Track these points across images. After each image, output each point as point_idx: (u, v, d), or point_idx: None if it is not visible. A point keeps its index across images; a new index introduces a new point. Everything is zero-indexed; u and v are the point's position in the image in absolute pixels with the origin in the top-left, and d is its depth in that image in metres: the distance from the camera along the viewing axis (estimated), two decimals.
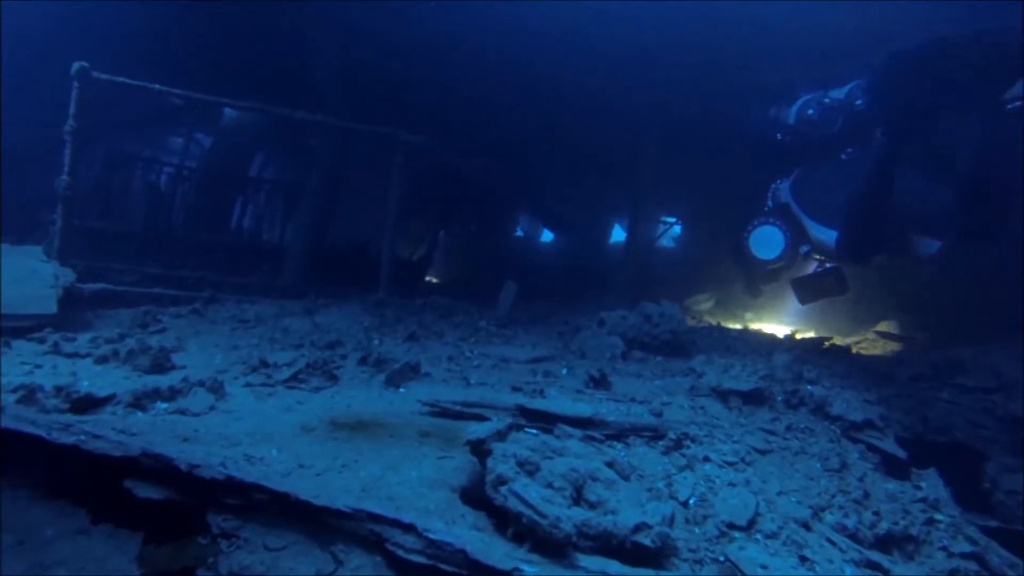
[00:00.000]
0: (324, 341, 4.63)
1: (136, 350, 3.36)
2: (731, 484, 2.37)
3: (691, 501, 2.28)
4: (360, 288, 7.70)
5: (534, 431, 2.81)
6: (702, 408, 3.22)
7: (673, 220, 13.14)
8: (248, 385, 3.24)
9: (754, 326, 8.24)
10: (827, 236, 4.42)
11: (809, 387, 3.53)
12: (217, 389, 2.94)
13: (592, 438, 2.51)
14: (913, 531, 2.58)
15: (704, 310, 9.43)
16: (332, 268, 8.65)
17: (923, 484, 2.88)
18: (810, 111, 4.51)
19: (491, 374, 4.19)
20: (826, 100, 4.49)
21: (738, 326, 7.77)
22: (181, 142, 14.66)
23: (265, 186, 13.58)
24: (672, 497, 2.31)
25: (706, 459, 2.55)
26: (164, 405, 2.64)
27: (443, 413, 3.03)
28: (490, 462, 2.11)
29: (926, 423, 3.63)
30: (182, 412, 2.58)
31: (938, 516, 2.72)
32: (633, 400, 3.36)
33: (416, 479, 2.22)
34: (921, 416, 3.63)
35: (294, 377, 3.37)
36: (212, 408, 2.73)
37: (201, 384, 2.91)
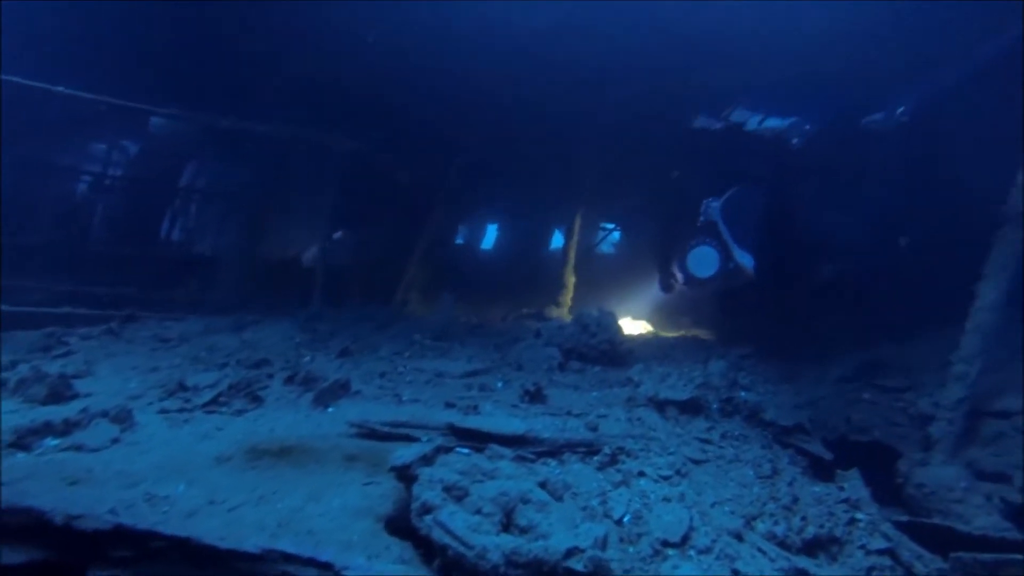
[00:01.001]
0: (251, 359, 4.41)
1: (29, 378, 3.07)
2: (666, 499, 2.35)
3: (626, 519, 2.24)
4: (298, 301, 7.43)
5: (466, 450, 2.73)
6: (639, 419, 3.21)
7: (612, 226, 13.31)
8: (163, 411, 3.02)
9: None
10: (747, 260, 4.86)
11: (744, 394, 3.59)
12: (124, 418, 2.71)
13: (524, 458, 2.45)
14: (837, 532, 2.64)
15: (642, 317, 9.57)
16: (267, 281, 8.32)
17: (846, 485, 2.96)
18: (795, 140, 4.90)
19: (425, 390, 4.07)
20: (807, 127, 4.86)
21: (678, 332, 7.92)
22: (104, 148, 13.84)
23: (197, 196, 12.98)
24: (607, 515, 2.27)
25: (641, 474, 2.52)
26: (55, 442, 2.40)
27: (372, 434, 2.91)
28: (416, 488, 2.02)
29: (849, 424, 3.75)
30: (77, 448, 2.35)
31: (858, 515, 2.79)
32: (569, 413, 3.32)
33: (339, 508, 2.09)
34: (845, 417, 3.75)
35: (215, 400, 3.16)
36: (116, 441, 2.51)
37: (104, 414, 2.68)
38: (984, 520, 3.28)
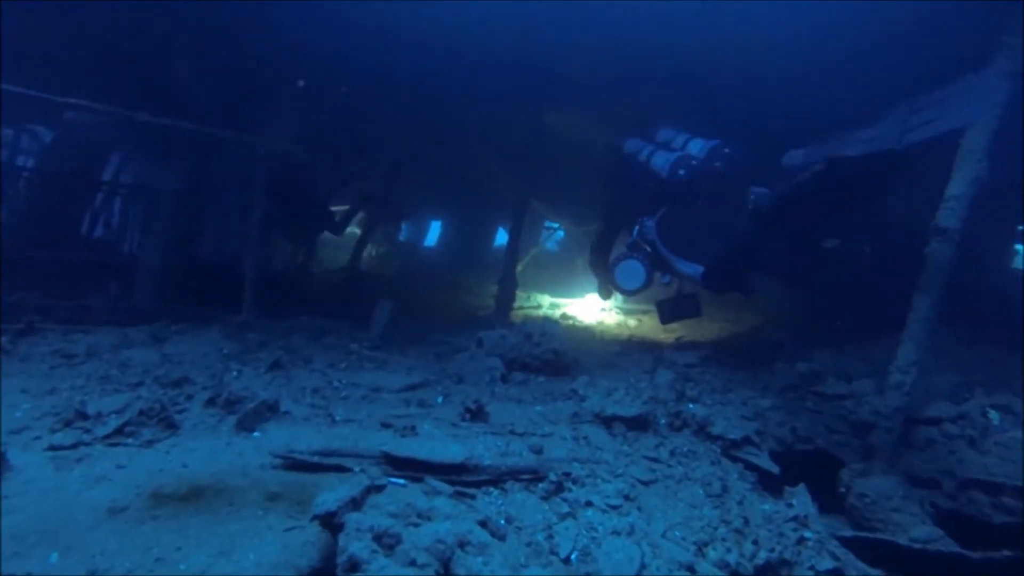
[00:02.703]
0: (170, 377, 4.03)
1: None
2: (615, 532, 2.22)
3: (573, 556, 2.09)
4: (230, 309, 6.99)
5: (402, 481, 2.53)
6: (585, 438, 3.08)
7: (556, 225, 13.32)
8: (53, 448, 2.66)
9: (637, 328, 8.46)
10: (693, 270, 5.11)
11: (691, 406, 3.53)
12: None
13: (464, 494, 2.26)
14: (787, 555, 2.58)
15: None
16: (196, 287, 7.80)
17: (794, 501, 2.92)
18: (681, 171, 5.28)
19: (360, 407, 3.83)
20: (693, 162, 5.31)
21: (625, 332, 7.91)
22: (11, 135, 12.71)
23: (121, 192, 12.09)
24: (553, 552, 2.12)
25: (589, 503, 2.38)
26: None
27: (298, 465, 2.66)
28: (342, 540, 1.80)
29: (795, 433, 3.76)
30: None
31: (807, 534, 2.76)
32: (512, 432, 3.16)
33: (254, 564, 1.85)
34: (791, 428, 3.75)
35: (120, 431, 2.82)
36: None
37: None
38: (919, 530, 3.35)
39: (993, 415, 4.11)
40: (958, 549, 3.08)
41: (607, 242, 6.25)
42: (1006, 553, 2.78)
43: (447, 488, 2.29)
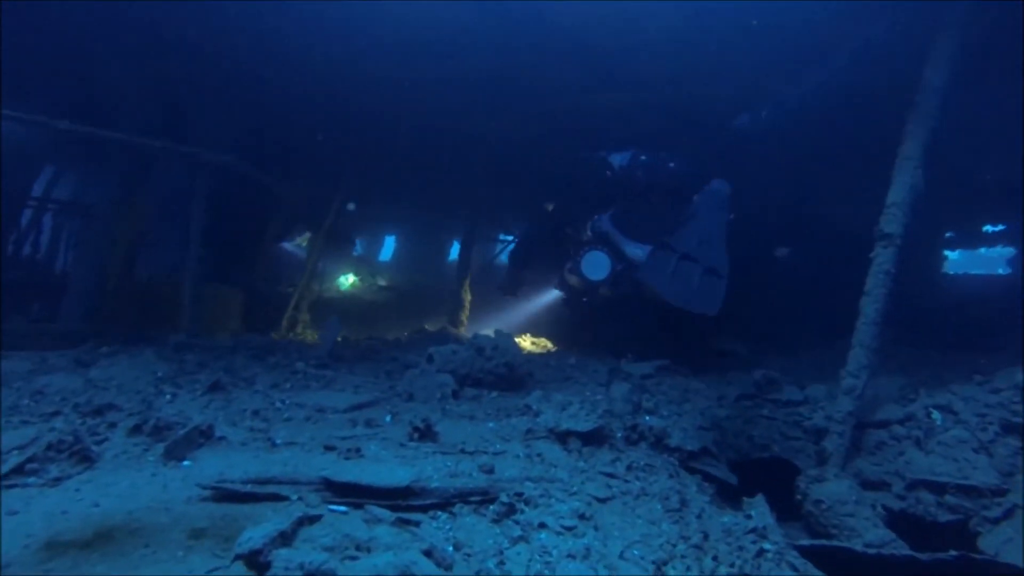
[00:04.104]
0: (92, 404, 3.72)
1: None
2: (570, 556, 2.09)
3: None
4: (170, 329, 6.62)
5: (343, 508, 2.35)
6: (539, 456, 2.96)
7: (511, 238, 13.27)
8: None
9: None
10: (641, 251, 5.60)
11: (648, 418, 3.45)
12: None
13: (407, 521, 2.10)
14: (747, 568, 2.51)
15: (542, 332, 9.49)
16: (129, 306, 7.36)
17: (753, 512, 2.87)
18: (638, 171, 5.88)
19: (303, 429, 3.61)
20: (642, 158, 5.90)
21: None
22: None
23: (51, 207, 11.41)
24: None
25: (542, 526, 2.25)
26: None
27: (230, 496, 2.44)
28: None
29: (751, 442, 3.73)
30: None
31: (766, 545, 2.70)
32: (463, 451, 3.02)
33: None
34: (748, 436, 3.73)
35: (19, 469, 2.54)
36: None
37: None
38: (873, 534, 3.36)
39: (936, 415, 4.19)
40: (909, 552, 3.10)
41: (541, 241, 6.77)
42: (952, 553, 2.81)
43: (389, 515, 2.13)
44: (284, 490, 2.52)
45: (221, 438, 3.37)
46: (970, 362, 4.97)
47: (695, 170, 5.84)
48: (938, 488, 3.70)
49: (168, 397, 4.29)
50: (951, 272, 9.10)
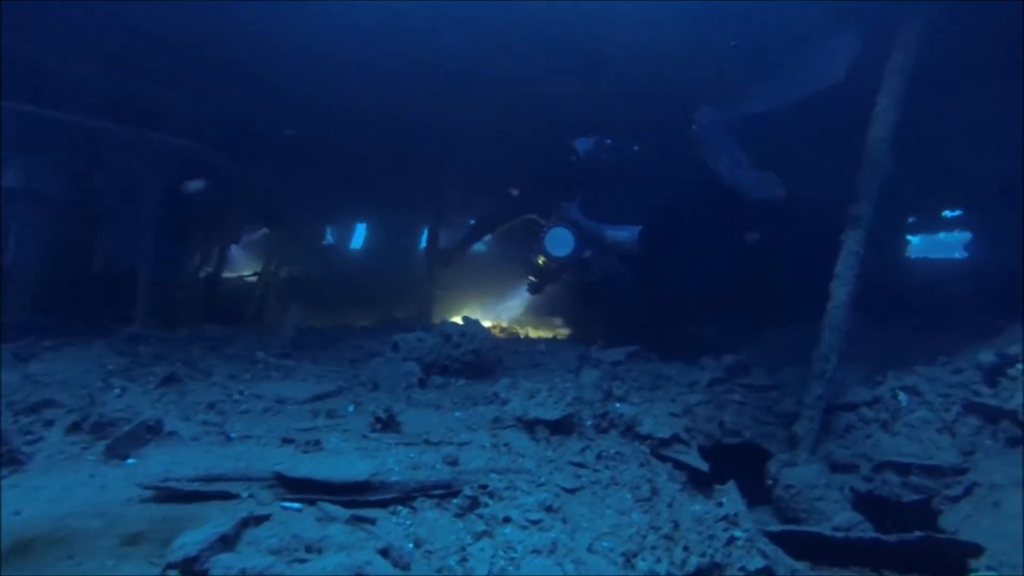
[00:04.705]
0: (28, 401, 3.49)
1: None
2: (535, 551, 1.99)
3: None
4: (124, 321, 6.32)
5: (297, 505, 2.22)
6: (506, 445, 2.85)
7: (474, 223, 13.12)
8: None
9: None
10: (628, 233, 5.72)
11: (619, 405, 3.38)
12: None
13: (362, 519, 1.97)
14: (718, 557, 2.46)
15: (514, 318, 9.40)
16: (80, 298, 7.01)
17: (724, 500, 2.82)
18: (604, 155, 5.95)
19: (260, 422, 3.45)
20: (608, 142, 5.94)
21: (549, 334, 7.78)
22: None
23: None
24: None
25: (507, 520, 2.15)
26: None
27: (175, 496, 2.28)
28: None
29: (723, 428, 3.69)
30: None
31: (737, 533, 2.65)
32: (427, 442, 2.90)
33: None
34: (719, 422, 3.69)
35: None
36: None
37: None
38: (841, 516, 3.36)
39: (902, 397, 4.22)
40: (875, 535, 3.11)
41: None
42: (917, 534, 2.83)
43: (343, 512, 2.00)
44: (234, 487, 2.37)
45: (171, 433, 3.18)
46: (934, 343, 5.03)
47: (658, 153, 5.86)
48: (903, 469, 3.72)
49: (117, 391, 4.07)
50: (913, 256, 9.25)
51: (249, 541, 1.73)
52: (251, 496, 2.32)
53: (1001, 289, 6.15)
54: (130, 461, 2.80)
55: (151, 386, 4.24)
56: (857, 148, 3.98)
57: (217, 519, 1.87)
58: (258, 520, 1.85)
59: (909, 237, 9.09)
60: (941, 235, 9.79)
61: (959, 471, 3.61)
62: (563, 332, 7.96)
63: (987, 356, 3.89)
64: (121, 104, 6.88)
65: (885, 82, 3.96)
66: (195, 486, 2.33)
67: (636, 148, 5.88)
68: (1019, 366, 3.78)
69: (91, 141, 6.82)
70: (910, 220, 8.81)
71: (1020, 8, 4.17)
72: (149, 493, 2.29)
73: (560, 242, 5.91)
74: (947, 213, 8.89)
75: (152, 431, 3.09)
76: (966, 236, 8.75)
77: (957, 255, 9.70)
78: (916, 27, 3.99)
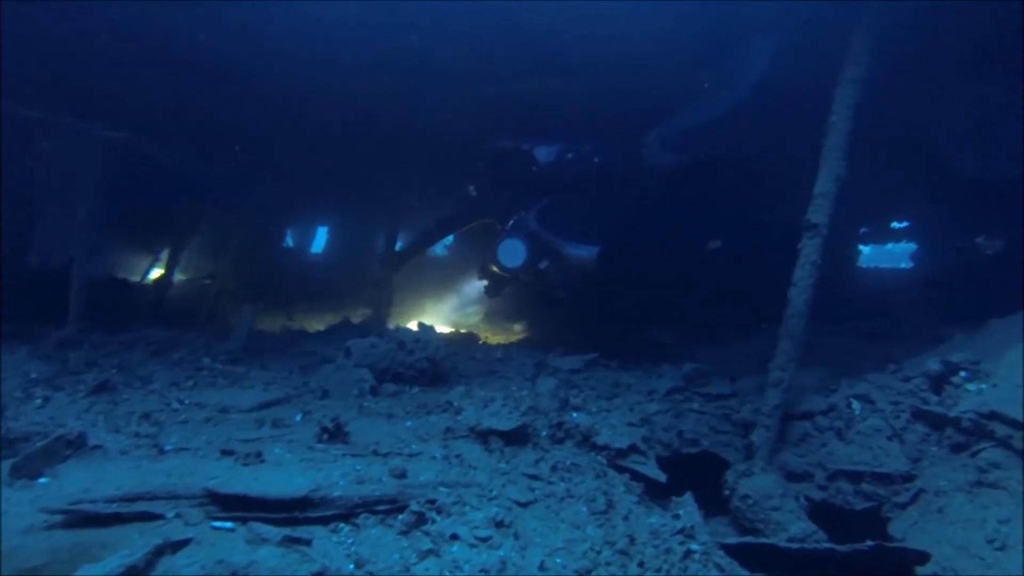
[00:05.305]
0: None
1: None
2: (483, 571, 1.88)
3: None
4: (55, 324, 5.94)
5: (229, 524, 2.05)
6: (458, 457, 2.73)
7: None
8: None
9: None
10: (587, 252, 5.56)
11: (575, 415, 3.29)
12: None
13: (296, 540, 1.82)
14: (674, 572, 2.39)
15: (472, 324, 9.26)
16: (15, 298, 6.58)
17: (681, 512, 2.76)
18: (568, 156, 5.88)
19: (200, 432, 3.25)
20: (569, 155, 5.88)
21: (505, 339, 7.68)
22: None
23: None
24: None
25: (454, 537, 2.03)
26: None
27: (88, 520, 2.08)
28: None
29: (681, 437, 3.65)
30: None
31: (693, 546, 2.59)
32: (375, 453, 2.75)
33: None
34: (677, 432, 3.64)
35: None
36: None
37: None
38: (796, 527, 3.34)
39: (855, 405, 4.25)
40: (829, 545, 3.10)
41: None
42: (868, 543, 2.83)
43: (275, 533, 1.84)
44: (159, 507, 2.18)
45: (96, 447, 2.95)
46: (884, 350, 5.12)
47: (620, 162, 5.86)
48: (856, 477, 3.74)
49: (39, 402, 3.80)
50: (864, 266, 9.51)
51: (165, 570, 1.56)
52: (178, 516, 2.14)
53: (946, 298, 6.36)
54: (42, 481, 2.57)
55: (80, 395, 3.98)
56: (803, 148, 4.03)
57: (133, 545, 1.69)
58: (177, 546, 1.68)
59: (860, 247, 9.34)
60: (889, 246, 10.10)
61: (908, 478, 3.64)
62: (522, 337, 7.87)
63: (933, 364, 3.95)
64: (57, 93, 6.50)
65: (840, 92, 4.01)
66: (114, 507, 2.13)
67: (596, 160, 5.82)
68: (962, 374, 3.86)
69: (22, 131, 6.42)
70: (862, 230, 9.06)
71: (962, 21, 4.32)
72: (57, 518, 2.08)
73: (511, 253, 5.77)
74: (895, 224, 9.18)
75: (72, 445, 2.85)
76: (912, 247, 9.05)
77: (903, 265, 10.01)
78: (867, 40, 4.04)
